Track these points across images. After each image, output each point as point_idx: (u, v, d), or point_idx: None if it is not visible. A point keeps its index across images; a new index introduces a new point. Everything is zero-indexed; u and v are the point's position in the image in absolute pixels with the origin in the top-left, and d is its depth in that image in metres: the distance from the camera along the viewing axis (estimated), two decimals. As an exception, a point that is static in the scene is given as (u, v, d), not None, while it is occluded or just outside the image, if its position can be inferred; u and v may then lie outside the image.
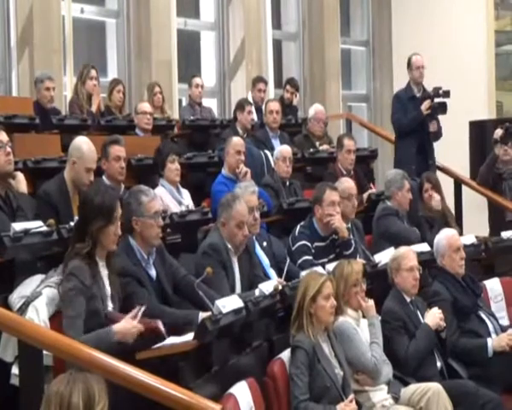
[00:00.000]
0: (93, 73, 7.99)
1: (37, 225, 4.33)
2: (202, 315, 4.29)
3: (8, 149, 4.82)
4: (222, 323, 4.09)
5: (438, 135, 8.34)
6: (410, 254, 5.43)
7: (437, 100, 8.20)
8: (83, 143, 5.28)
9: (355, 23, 13.35)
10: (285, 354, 4.57)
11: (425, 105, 8.12)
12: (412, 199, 7.01)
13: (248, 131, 8.29)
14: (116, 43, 10.11)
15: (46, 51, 8.80)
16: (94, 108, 7.92)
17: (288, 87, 9.84)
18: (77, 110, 7.85)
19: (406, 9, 12.50)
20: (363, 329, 4.98)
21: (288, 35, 12.37)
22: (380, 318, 5.10)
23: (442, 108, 8.19)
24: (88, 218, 4.01)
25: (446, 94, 8.16)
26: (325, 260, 5.89)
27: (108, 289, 4.08)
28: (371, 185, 8.38)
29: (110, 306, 4.05)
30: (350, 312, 4.97)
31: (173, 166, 6.26)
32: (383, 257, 5.78)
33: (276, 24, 12.00)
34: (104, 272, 4.07)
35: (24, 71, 8.81)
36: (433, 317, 5.25)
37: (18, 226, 4.20)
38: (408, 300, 5.34)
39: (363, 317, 5.03)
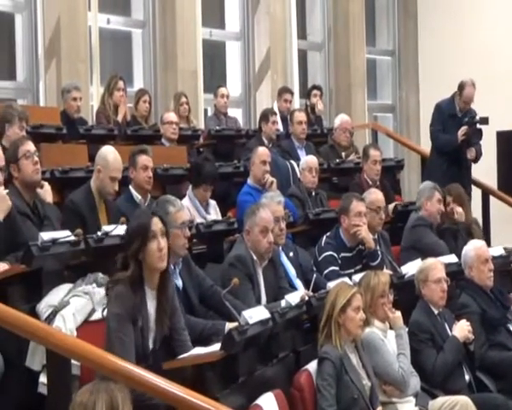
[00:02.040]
0: (120, 84, 8.03)
1: (64, 235, 4.34)
2: (229, 326, 4.29)
3: (36, 159, 4.86)
4: (249, 333, 4.08)
5: (477, 159, 8.28)
6: (437, 265, 5.39)
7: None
8: (108, 153, 5.32)
9: (381, 33, 13.31)
10: (312, 366, 4.55)
11: (461, 131, 8.06)
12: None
13: (273, 141, 8.29)
14: (142, 54, 10.15)
15: (73, 62, 8.86)
16: (120, 118, 7.96)
17: (314, 92, 9.83)
18: (103, 120, 7.89)
19: (432, 19, 12.45)
20: (390, 340, 4.95)
21: (313, 45, 12.36)
22: (407, 329, 5.06)
23: (477, 134, 8.14)
24: (128, 244, 3.88)
25: (484, 121, 8.10)
26: (351, 270, 5.86)
27: (153, 320, 3.90)
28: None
29: (151, 338, 3.89)
30: (377, 323, 4.95)
31: (205, 193, 6.28)
32: (410, 268, 5.75)
33: (302, 34, 12.00)
34: (152, 303, 3.90)
35: (51, 81, 8.88)
36: (462, 329, 5.21)
37: (46, 236, 4.21)
38: (435, 312, 5.29)
39: (391, 328, 5.00)
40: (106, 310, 3.87)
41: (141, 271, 3.83)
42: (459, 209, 7.11)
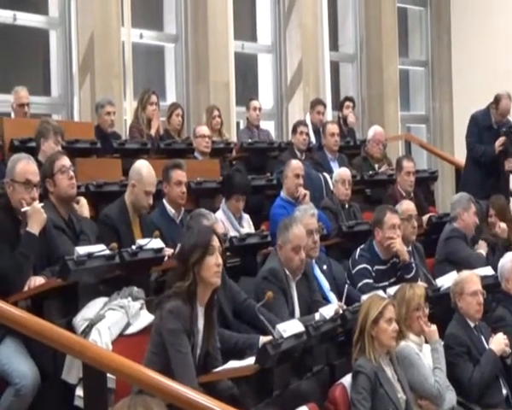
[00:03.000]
0: (153, 98, 8.09)
1: (99, 249, 4.37)
2: (263, 339, 4.29)
3: (71, 174, 4.90)
4: (283, 347, 4.07)
5: None
6: (473, 277, 5.34)
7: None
8: (142, 167, 5.35)
9: (414, 43, 13.27)
10: (346, 379, 4.52)
11: (499, 141, 7.99)
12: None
13: (305, 152, 8.28)
14: (174, 68, 10.22)
15: (107, 77, 8.95)
16: (153, 132, 8.01)
17: (346, 103, 9.81)
18: (137, 134, 7.94)
19: (466, 29, 12.38)
20: (425, 354, 4.90)
21: (345, 56, 12.35)
22: (443, 343, 5.01)
23: None
24: (186, 255, 3.92)
25: None
26: (386, 283, 5.82)
27: (200, 338, 3.94)
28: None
29: (197, 354, 3.92)
30: (412, 336, 4.90)
31: (238, 204, 6.29)
32: (445, 281, 5.69)
33: (334, 45, 11.99)
34: (201, 320, 3.94)
35: (85, 96, 8.98)
36: (498, 343, 5.15)
37: (81, 250, 4.25)
38: (472, 325, 5.24)
39: (426, 342, 4.95)
40: (158, 326, 3.86)
41: (196, 284, 3.88)
42: (502, 225, 7.03)
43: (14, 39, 9.17)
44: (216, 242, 3.96)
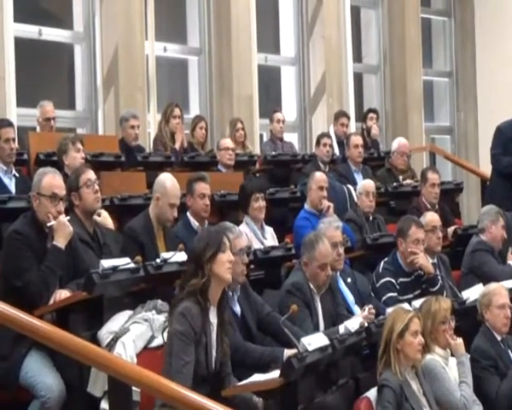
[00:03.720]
0: (177, 111, 8.11)
1: (124, 262, 4.38)
2: (287, 353, 4.28)
3: (97, 188, 4.93)
4: (308, 360, 4.06)
5: None
6: (501, 290, 5.28)
7: None
8: (166, 180, 5.36)
9: (438, 54, 13.22)
10: (372, 393, 4.49)
11: None
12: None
13: (328, 164, 8.27)
14: (198, 80, 10.27)
15: (130, 90, 9.01)
16: (177, 145, 8.03)
17: (370, 115, 9.78)
18: (161, 147, 7.97)
19: (490, 39, 12.31)
20: (451, 367, 4.86)
21: (368, 68, 12.33)
22: (469, 356, 4.96)
23: None
24: (199, 253, 3.99)
25: None
26: (410, 296, 5.78)
27: (214, 338, 4.00)
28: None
29: (214, 355, 3.99)
30: (438, 350, 4.86)
31: (256, 205, 6.25)
32: (471, 294, 5.63)
33: (357, 57, 11.98)
34: (214, 320, 4.01)
35: (109, 109, 9.04)
36: (526, 356, 5.08)
37: (106, 263, 4.27)
38: (499, 338, 5.18)
39: (452, 355, 4.91)
40: (169, 326, 3.91)
41: (209, 282, 3.95)
42: None
43: (39, 54, 9.27)
44: (227, 240, 4.07)
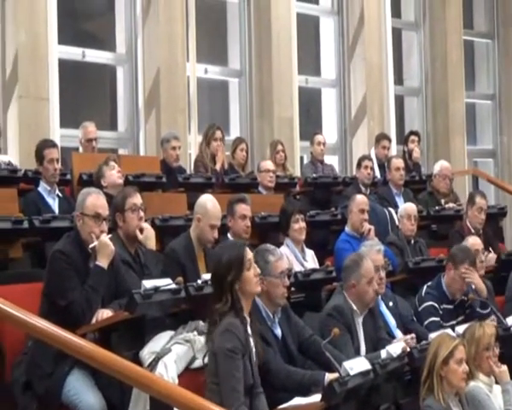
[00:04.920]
0: (218, 134, 8.11)
1: (166, 283, 4.39)
2: (329, 376, 4.24)
3: (141, 214, 4.97)
4: (349, 385, 4.03)
5: None
6: (546, 317, 5.18)
7: None
8: (207, 201, 5.37)
9: (480, 76, 13.11)
10: (414, 419, 4.43)
11: None
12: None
13: (369, 187, 8.22)
14: (239, 102, 10.31)
15: (172, 111, 9.08)
16: (218, 167, 8.04)
17: (411, 137, 9.71)
18: (201, 169, 7.98)
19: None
20: (496, 395, 4.77)
21: (410, 90, 12.28)
22: (514, 384, 4.86)
23: None
24: (222, 275, 3.99)
25: None
26: (453, 322, 5.70)
27: (253, 347, 4.05)
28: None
29: (255, 362, 4.03)
30: (482, 377, 4.78)
31: (297, 226, 6.24)
32: (516, 320, 5.54)
33: (398, 79, 11.94)
34: (249, 329, 4.05)
35: (151, 130, 9.11)
36: None
37: (148, 284, 4.27)
38: (544, 366, 5.07)
39: (496, 382, 4.81)
40: (213, 344, 3.89)
41: (238, 301, 3.96)
42: None
43: (82, 75, 9.40)
44: (249, 254, 4.07)
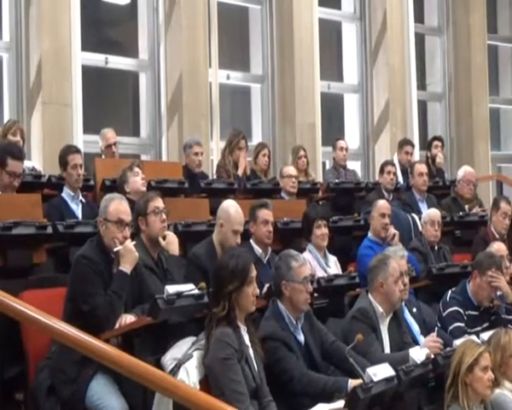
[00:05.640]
0: (242, 143, 8.05)
1: (188, 288, 4.38)
2: (352, 383, 4.21)
3: (164, 217, 4.97)
4: (373, 391, 3.99)
5: None
6: None
7: None
8: (230, 206, 5.37)
9: (505, 81, 13.03)
10: (438, 426, 4.38)
11: None
12: None
13: (392, 192, 8.18)
14: (261, 108, 10.32)
15: (194, 117, 9.10)
16: (240, 172, 8.04)
17: (435, 143, 9.65)
18: (224, 174, 7.99)
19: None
20: (522, 402, 4.71)
21: (433, 95, 12.22)
22: (540, 392, 4.80)
23: None
24: (223, 282, 4.06)
25: None
26: (478, 328, 5.64)
27: (252, 353, 4.09)
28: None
29: (256, 367, 4.04)
30: (507, 384, 4.74)
31: (319, 232, 6.22)
32: (542, 327, 5.47)
33: (421, 84, 11.89)
34: (246, 337, 4.10)
35: (173, 136, 9.14)
36: None
37: (171, 289, 4.27)
38: None
39: (522, 390, 4.76)
40: (208, 359, 3.96)
41: (233, 310, 4.04)
42: None
43: (105, 82, 9.46)
44: (254, 271, 4.10)
